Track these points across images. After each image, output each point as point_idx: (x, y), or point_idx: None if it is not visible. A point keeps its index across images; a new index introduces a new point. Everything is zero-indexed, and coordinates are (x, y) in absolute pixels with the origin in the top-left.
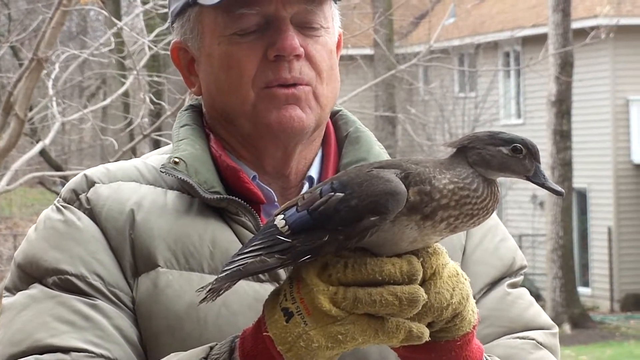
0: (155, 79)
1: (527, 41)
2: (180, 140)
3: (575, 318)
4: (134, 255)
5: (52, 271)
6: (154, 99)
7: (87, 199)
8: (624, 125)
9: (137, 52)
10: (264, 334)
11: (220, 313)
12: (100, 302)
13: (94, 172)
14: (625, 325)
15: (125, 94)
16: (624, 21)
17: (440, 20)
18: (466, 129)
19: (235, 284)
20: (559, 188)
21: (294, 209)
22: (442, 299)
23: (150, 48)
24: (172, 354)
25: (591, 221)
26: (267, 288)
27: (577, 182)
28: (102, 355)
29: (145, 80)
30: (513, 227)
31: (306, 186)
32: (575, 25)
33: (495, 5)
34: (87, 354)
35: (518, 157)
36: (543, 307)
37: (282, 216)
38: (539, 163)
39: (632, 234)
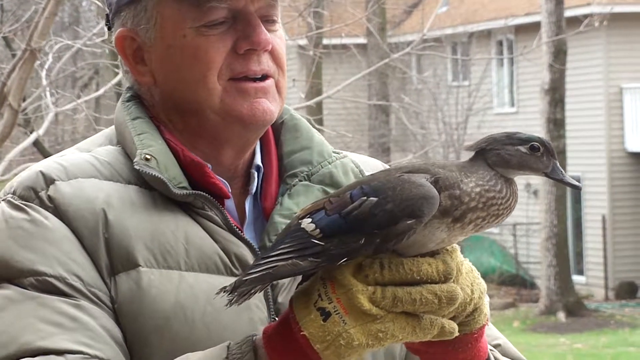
0: None
1: (520, 30)
2: (140, 134)
3: (570, 306)
4: (109, 255)
5: (27, 272)
6: None
7: (49, 197)
8: (618, 114)
9: None
10: (301, 333)
11: (205, 311)
12: (84, 302)
13: (49, 168)
14: (619, 313)
15: (119, 84)
16: (618, 9)
17: (433, 9)
18: (459, 117)
19: (266, 286)
20: (576, 183)
21: (321, 213)
22: (466, 295)
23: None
24: (188, 354)
25: (585, 209)
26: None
27: (571, 171)
28: (96, 356)
29: None
30: None
31: (255, 175)
32: (568, 13)
33: None
34: (82, 355)
35: (536, 154)
36: (537, 295)
37: (309, 220)
38: (556, 160)
39: (626, 222)
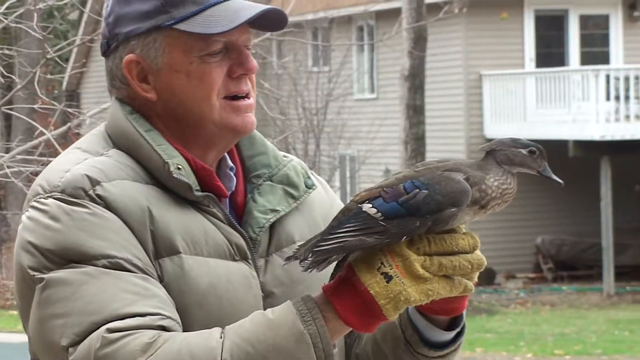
0: (7, 52)
1: (381, 16)
2: (160, 145)
3: None
4: (155, 244)
5: (100, 256)
6: (5, 72)
7: (98, 196)
8: (477, 100)
9: None
10: (369, 292)
11: (228, 289)
12: (149, 277)
13: (91, 171)
14: (477, 299)
15: None
16: None
17: None
18: (319, 103)
19: (339, 259)
20: (559, 180)
21: (380, 200)
22: None
23: (0, 21)
24: (253, 314)
25: None
26: (242, 266)
27: (431, 156)
28: (169, 317)
29: None
30: None
31: (232, 174)
32: (429, 0)
33: None
34: (160, 316)
35: (533, 157)
36: None
37: (369, 205)
38: (546, 162)
39: None
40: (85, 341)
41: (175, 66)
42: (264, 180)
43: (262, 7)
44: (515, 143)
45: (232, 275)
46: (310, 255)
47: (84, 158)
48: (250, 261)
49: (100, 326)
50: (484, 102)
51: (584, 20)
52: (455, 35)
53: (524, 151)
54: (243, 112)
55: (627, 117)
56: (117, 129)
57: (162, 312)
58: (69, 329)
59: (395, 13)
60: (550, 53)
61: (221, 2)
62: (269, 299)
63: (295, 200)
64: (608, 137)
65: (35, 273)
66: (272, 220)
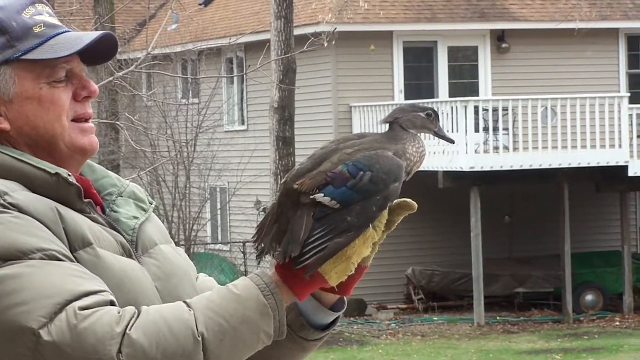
0: None
1: (249, 47)
2: (39, 162)
3: None
4: (69, 239)
5: (35, 249)
6: None
7: (10, 204)
8: (347, 131)
9: None
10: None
11: (135, 275)
12: (80, 264)
13: None
14: (348, 330)
15: None
16: (345, 28)
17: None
18: (189, 135)
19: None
20: (452, 139)
21: (330, 187)
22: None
23: None
24: (218, 290)
25: None
26: (132, 261)
27: None
28: (112, 294)
29: None
30: (237, 232)
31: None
32: (297, 31)
33: (218, 12)
34: (107, 292)
35: (430, 118)
36: None
37: (321, 194)
38: (440, 123)
39: None
40: (56, 321)
41: (26, 93)
42: (116, 196)
43: (100, 32)
44: (414, 108)
45: (131, 265)
46: (300, 261)
47: None
48: (134, 258)
49: (64, 305)
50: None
51: (453, 52)
52: (325, 67)
53: (422, 114)
54: (89, 132)
55: (496, 148)
56: None
57: (106, 289)
58: (34, 313)
59: (264, 44)
60: (420, 85)
61: (60, 33)
62: None
63: (145, 211)
64: (477, 168)
65: None
66: (138, 224)
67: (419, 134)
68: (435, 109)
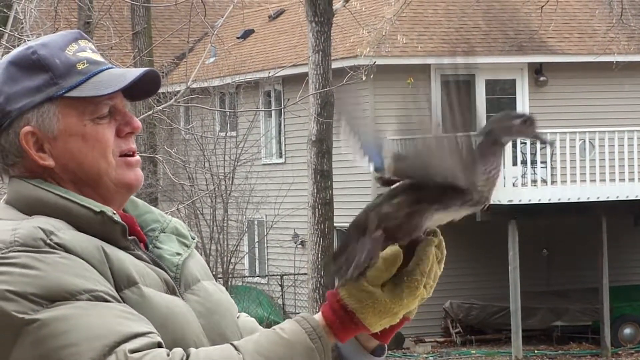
0: None
1: (287, 81)
2: (83, 200)
3: None
4: (114, 278)
5: (83, 291)
6: None
7: (57, 244)
8: None
9: None
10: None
11: (182, 312)
12: (127, 305)
13: (39, 224)
14: None
15: None
16: (383, 61)
17: (201, 60)
18: (227, 168)
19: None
20: (548, 139)
21: None
22: None
23: None
24: (266, 333)
25: None
26: (177, 298)
27: (338, 222)
28: (159, 336)
29: None
30: (275, 265)
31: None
32: (336, 65)
33: (256, 45)
34: (155, 333)
35: (526, 125)
36: None
37: None
38: (537, 128)
39: None
40: None
41: (70, 131)
42: (159, 232)
43: (143, 69)
44: (509, 116)
45: (176, 303)
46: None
47: (11, 224)
48: (179, 295)
49: (113, 347)
50: None
51: (491, 85)
52: (363, 100)
53: (518, 121)
54: (135, 166)
55: (534, 181)
56: (31, 200)
57: (154, 331)
58: (84, 355)
59: (301, 78)
60: None
61: (104, 70)
62: None
63: (187, 247)
64: (515, 201)
65: (24, 315)
66: (181, 260)
67: (506, 143)
68: (530, 116)
